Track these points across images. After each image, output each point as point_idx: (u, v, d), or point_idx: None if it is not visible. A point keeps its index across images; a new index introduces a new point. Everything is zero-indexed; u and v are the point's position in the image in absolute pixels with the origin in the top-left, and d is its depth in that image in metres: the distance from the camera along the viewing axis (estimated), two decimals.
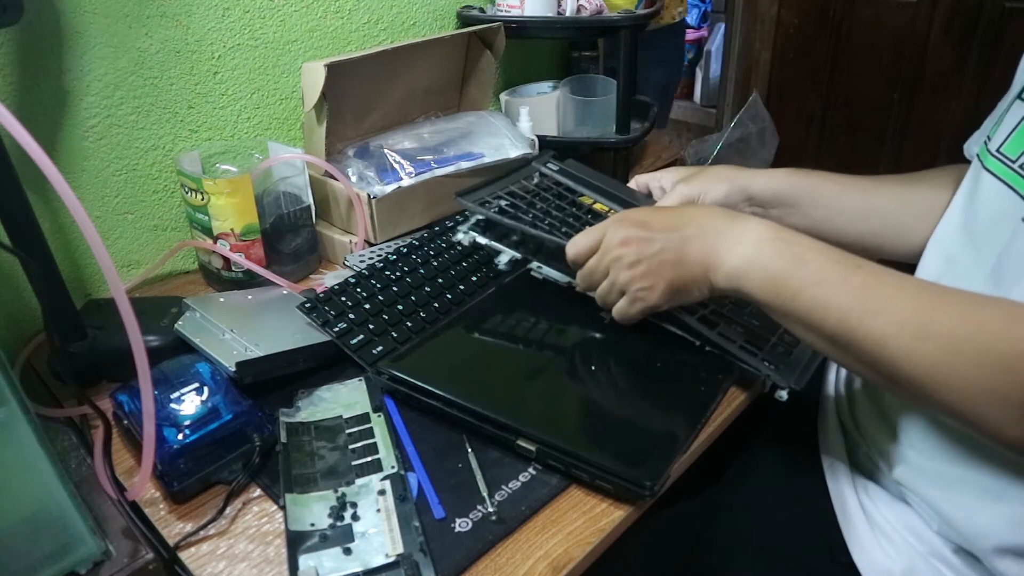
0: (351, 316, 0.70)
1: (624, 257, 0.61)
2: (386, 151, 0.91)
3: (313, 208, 0.87)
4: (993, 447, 0.54)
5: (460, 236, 0.79)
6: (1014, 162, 0.58)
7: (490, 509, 0.54)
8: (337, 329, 0.69)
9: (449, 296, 0.76)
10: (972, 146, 0.69)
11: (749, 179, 0.75)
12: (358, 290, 0.74)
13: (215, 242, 0.80)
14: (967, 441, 0.58)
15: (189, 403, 0.58)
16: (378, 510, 0.54)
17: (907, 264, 0.66)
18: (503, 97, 1.12)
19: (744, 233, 0.58)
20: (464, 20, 1.07)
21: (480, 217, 0.78)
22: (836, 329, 0.52)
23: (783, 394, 0.65)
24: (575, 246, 0.65)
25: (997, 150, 0.60)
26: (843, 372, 0.76)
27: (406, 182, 0.87)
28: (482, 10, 1.08)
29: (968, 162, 0.66)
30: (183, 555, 0.52)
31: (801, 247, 0.55)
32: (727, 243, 0.58)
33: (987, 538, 0.56)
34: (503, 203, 0.76)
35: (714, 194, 0.74)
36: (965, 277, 0.59)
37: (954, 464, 0.59)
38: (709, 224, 0.60)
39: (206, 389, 0.59)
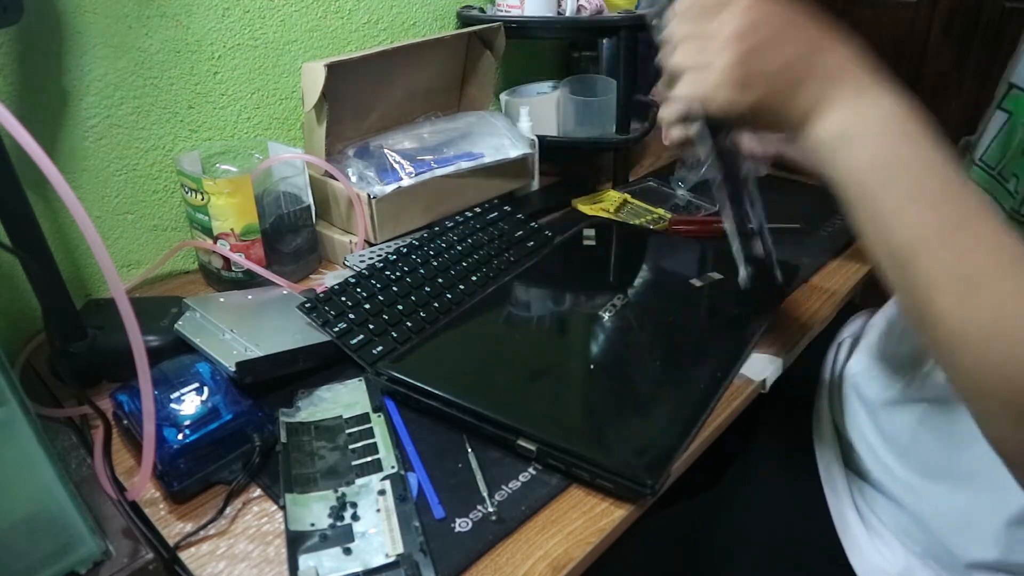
0: (351, 316, 0.70)
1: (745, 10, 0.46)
2: (386, 151, 0.91)
3: (313, 208, 0.87)
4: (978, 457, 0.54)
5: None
6: (993, 169, 0.59)
7: (490, 509, 0.54)
8: (337, 329, 0.69)
9: (449, 296, 0.76)
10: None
11: None
12: (358, 290, 0.74)
13: (215, 242, 0.80)
14: (945, 459, 0.59)
15: (189, 403, 0.58)
16: (378, 510, 0.54)
17: None
18: (503, 97, 1.12)
19: (881, 98, 0.47)
20: (464, 20, 1.07)
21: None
22: (899, 251, 0.43)
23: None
24: None
25: (980, 159, 0.61)
26: (837, 374, 0.76)
27: (406, 182, 0.87)
28: (482, 10, 1.08)
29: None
30: (183, 555, 0.52)
31: (928, 152, 0.46)
32: (856, 93, 0.46)
33: (958, 557, 0.57)
34: None
35: None
36: None
37: (927, 478, 0.60)
38: (855, 64, 0.48)
39: (206, 389, 0.59)
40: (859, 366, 0.73)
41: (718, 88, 0.47)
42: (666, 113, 0.53)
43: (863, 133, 0.45)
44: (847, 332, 0.82)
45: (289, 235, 0.85)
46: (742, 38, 0.46)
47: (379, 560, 0.50)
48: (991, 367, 0.39)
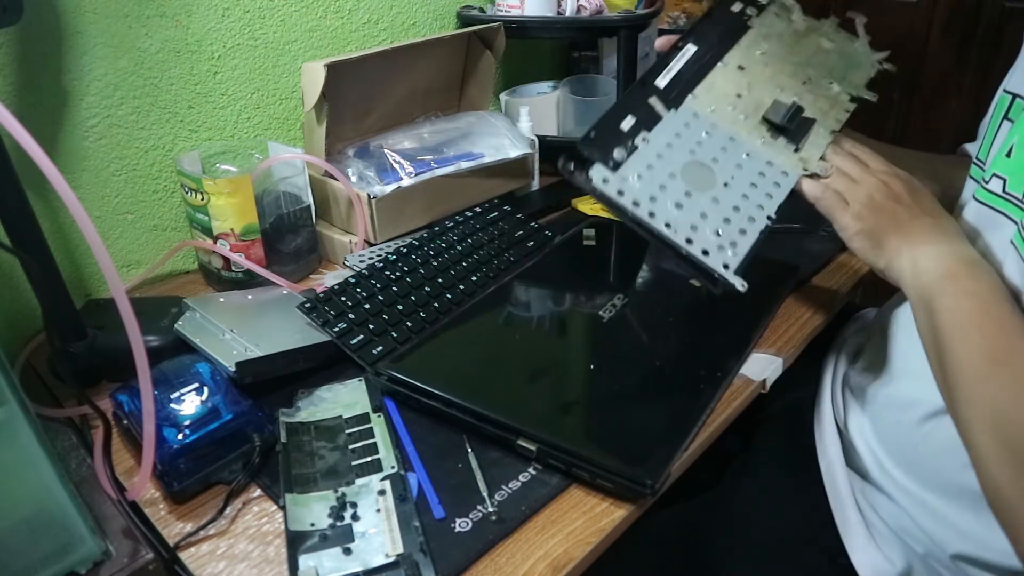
0: (351, 316, 0.70)
1: (883, 187, 0.63)
2: (386, 151, 0.91)
3: (313, 208, 0.87)
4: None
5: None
6: (987, 183, 0.60)
7: (490, 509, 0.54)
8: (337, 329, 0.69)
9: (449, 296, 0.76)
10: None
11: None
12: (358, 290, 0.74)
13: (215, 242, 0.80)
14: (938, 467, 0.59)
15: (189, 403, 0.58)
16: (378, 510, 0.54)
17: None
18: (503, 97, 1.12)
19: (954, 250, 0.59)
20: (464, 20, 1.07)
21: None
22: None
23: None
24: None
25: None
26: (839, 375, 0.76)
27: (406, 182, 0.87)
28: (482, 10, 1.08)
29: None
30: (183, 555, 0.52)
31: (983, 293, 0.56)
32: (939, 246, 0.59)
33: (943, 551, 0.59)
34: None
35: None
36: None
37: (917, 481, 0.61)
38: (942, 225, 0.61)
39: (206, 389, 0.59)
40: (860, 366, 0.73)
41: (845, 213, 0.63)
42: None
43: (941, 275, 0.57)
44: (847, 332, 0.82)
45: (289, 235, 0.85)
46: (883, 199, 0.63)
47: (379, 560, 0.50)
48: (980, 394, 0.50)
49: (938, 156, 0.80)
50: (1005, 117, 0.62)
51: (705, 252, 0.61)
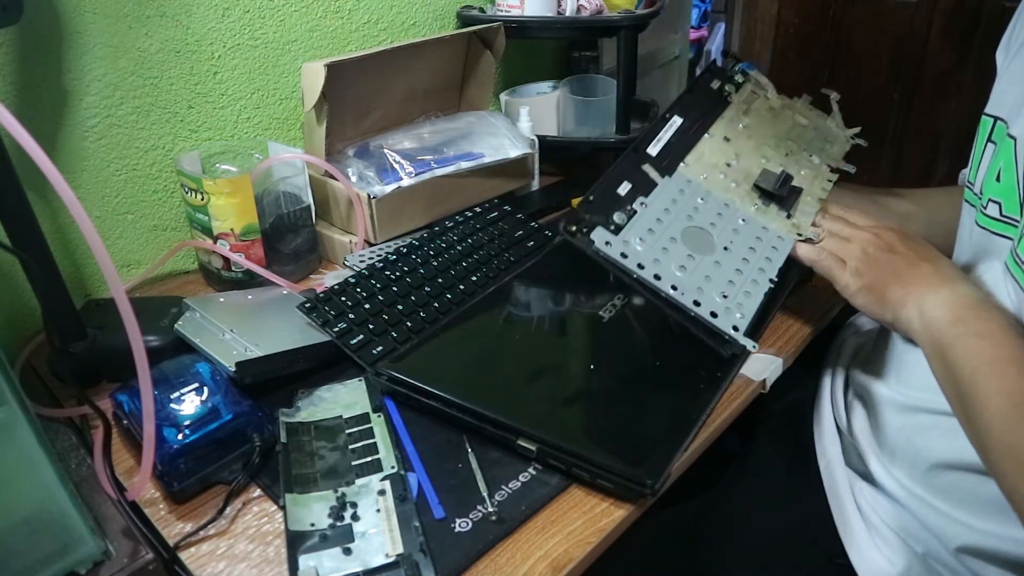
0: (351, 316, 0.70)
1: (875, 239, 0.64)
2: (386, 151, 0.91)
3: (313, 208, 0.87)
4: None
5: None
6: (981, 197, 0.61)
7: (490, 509, 0.54)
8: (337, 329, 0.69)
9: (449, 296, 0.76)
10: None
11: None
12: (358, 290, 0.74)
13: (215, 242, 0.80)
14: (938, 468, 0.59)
15: (189, 403, 0.58)
16: (378, 510, 0.54)
17: None
18: (503, 97, 1.12)
19: (960, 296, 0.58)
20: (464, 20, 1.07)
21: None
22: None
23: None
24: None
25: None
26: (839, 375, 0.76)
27: (406, 182, 0.87)
28: (482, 10, 1.07)
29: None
30: (183, 555, 0.52)
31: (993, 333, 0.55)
32: (942, 292, 0.59)
33: (946, 545, 0.59)
34: None
35: None
36: None
37: (918, 481, 0.61)
38: (941, 270, 0.61)
39: (206, 389, 0.59)
40: (860, 366, 0.73)
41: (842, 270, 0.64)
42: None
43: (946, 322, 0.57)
44: (847, 332, 0.82)
45: (289, 235, 0.85)
46: (876, 252, 0.64)
47: (379, 560, 0.50)
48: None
49: (937, 190, 0.79)
50: (989, 140, 0.63)
51: (714, 314, 0.64)
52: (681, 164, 0.73)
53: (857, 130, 0.81)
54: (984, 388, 0.51)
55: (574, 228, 0.67)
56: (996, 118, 0.62)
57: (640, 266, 0.66)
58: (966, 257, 0.64)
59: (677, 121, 0.76)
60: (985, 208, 0.60)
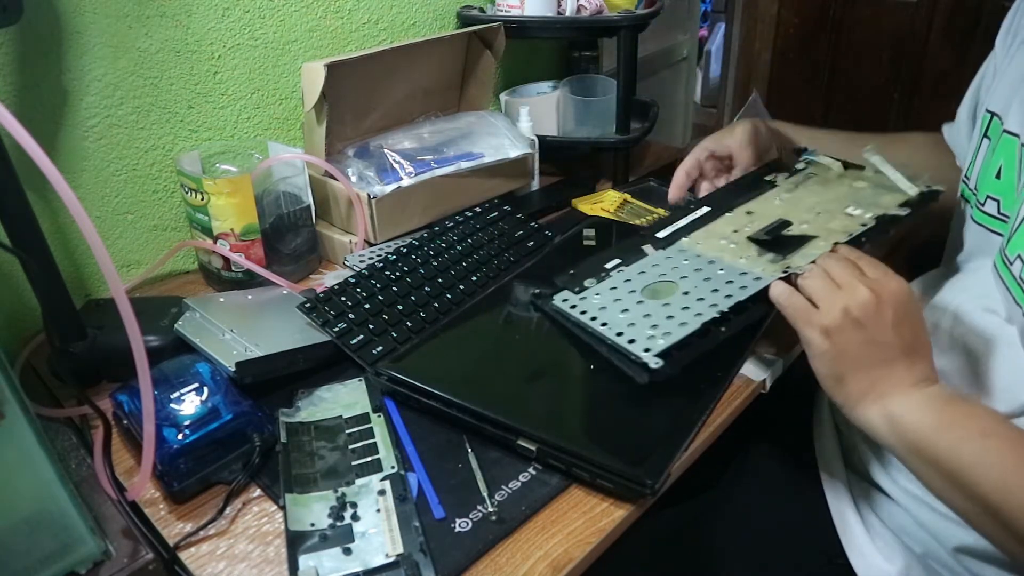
0: (351, 316, 0.70)
1: (869, 302, 0.54)
2: (386, 151, 0.91)
3: (313, 208, 0.87)
4: None
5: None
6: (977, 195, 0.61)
7: (490, 509, 0.54)
8: (337, 329, 0.69)
9: (449, 296, 0.76)
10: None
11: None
12: (358, 290, 0.74)
13: (215, 242, 0.80)
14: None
15: (189, 403, 0.58)
16: (378, 510, 0.54)
17: None
18: (503, 97, 1.12)
19: (924, 399, 0.54)
20: (464, 20, 1.07)
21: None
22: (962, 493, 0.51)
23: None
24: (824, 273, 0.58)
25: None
26: None
27: (406, 182, 0.87)
28: (482, 10, 1.08)
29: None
30: (183, 555, 0.52)
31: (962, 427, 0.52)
32: (913, 396, 0.54)
33: (945, 545, 0.59)
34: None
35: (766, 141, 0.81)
36: None
37: (919, 485, 0.60)
38: (914, 370, 0.55)
39: (206, 389, 0.59)
40: None
41: (814, 330, 0.56)
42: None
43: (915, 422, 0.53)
44: None
45: (289, 235, 0.85)
46: (860, 318, 0.54)
47: (379, 560, 0.50)
48: None
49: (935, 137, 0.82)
50: (984, 135, 0.63)
51: (632, 341, 0.62)
52: (684, 239, 0.71)
53: (925, 186, 0.69)
54: (995, 481, 0.48)
55: (539, 292, 0.71)
56: (994, 114, 0.62)
57: (583, 312, 0.66)
58: (961, 252, 0.64)
59: (704, 210, 0.74)
60: (982, 204, 0.60)
